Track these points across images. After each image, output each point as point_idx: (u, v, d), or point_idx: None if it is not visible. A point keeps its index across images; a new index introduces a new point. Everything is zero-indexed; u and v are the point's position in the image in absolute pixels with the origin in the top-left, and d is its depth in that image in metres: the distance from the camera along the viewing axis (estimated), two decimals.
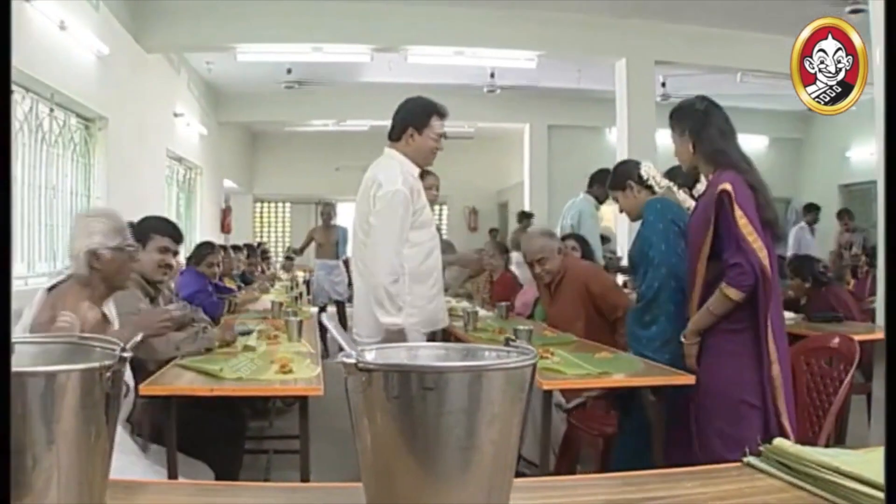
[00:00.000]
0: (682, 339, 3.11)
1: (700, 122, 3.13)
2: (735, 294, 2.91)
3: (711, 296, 3.00)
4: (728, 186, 2.93)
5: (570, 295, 4.37)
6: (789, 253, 9.44)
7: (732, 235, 2.91)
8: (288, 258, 9.39)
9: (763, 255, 2.90)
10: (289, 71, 10.89)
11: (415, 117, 3.60)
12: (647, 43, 8.54)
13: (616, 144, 9.24)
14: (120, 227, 2.82)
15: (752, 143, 13.13)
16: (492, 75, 11.16)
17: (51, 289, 2.75)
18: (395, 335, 3.34)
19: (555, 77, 11.30)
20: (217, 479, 3.21)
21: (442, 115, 3.63)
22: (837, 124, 12.18)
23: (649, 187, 3.68)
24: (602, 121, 12.27)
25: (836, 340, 3.26)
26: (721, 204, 2.94)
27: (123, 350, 1.09)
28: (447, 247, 7.40)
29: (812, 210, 10.66)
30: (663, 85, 10.78)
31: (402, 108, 3.67)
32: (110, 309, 2.90)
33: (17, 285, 5.05)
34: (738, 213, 2.90)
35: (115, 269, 2.79)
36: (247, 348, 3.47)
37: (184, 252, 5.74)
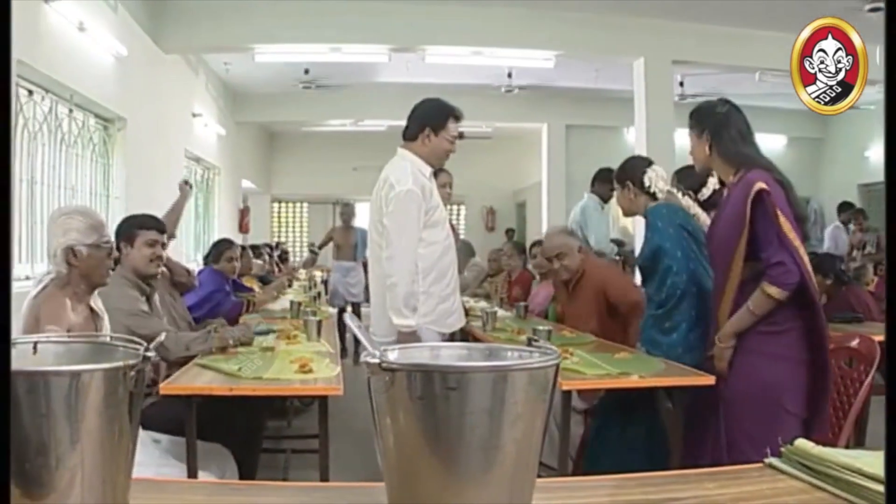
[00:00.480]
0: (717, 342, 3.00)
1: (720, 124, 3.09)
2: (777, 293, 2.83)
3: (746, 297, 2.92)
4: (764, 185, 2.87)
5: (587, 294, 4.35)
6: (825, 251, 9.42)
7: (773, 233, 2.84)
8: (311, 252, 9.34)
9: (803, 252, 2.85)
10: (306, 71, 10.91)
11: (432, 118, 3.60)
12: (664, 42, 8.49)
13: (634, 144, 9.21)
14: (96, 224, 2.81)
15: (771, 143, 13.05)
16: (509, 75, 11.14)
17: (36, 295, 2.73)
18: (408, 337, 3.34)
19: (572, 77, 11.26)
20: (237, 465, 3.28)
21: (458, 118, 3.64)
22: (856, 123, 12.09)
23: (650, 194, 3.66)
24: (620, 120, 12.24)
25: (857, 341, 3.23)
26: (759, 202, 2.86)
27: (147, 350, 1.10)
28: (465, 248, 7.42)
29: (846, 209, 10.55)
30: (681, 84, 10.73)
31: (419, 108, 3.67)
32: (97, 303, 2.88)
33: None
34: (776, 210, 2.85)
35: (93, 265, 2.77)
36: (265, 349, 3.49)
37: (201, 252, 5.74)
